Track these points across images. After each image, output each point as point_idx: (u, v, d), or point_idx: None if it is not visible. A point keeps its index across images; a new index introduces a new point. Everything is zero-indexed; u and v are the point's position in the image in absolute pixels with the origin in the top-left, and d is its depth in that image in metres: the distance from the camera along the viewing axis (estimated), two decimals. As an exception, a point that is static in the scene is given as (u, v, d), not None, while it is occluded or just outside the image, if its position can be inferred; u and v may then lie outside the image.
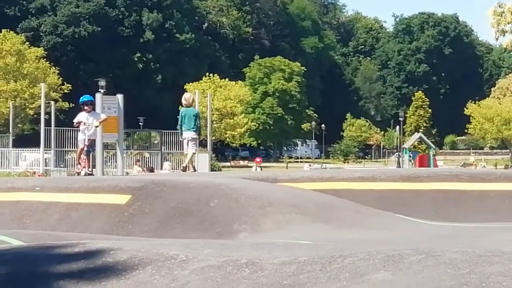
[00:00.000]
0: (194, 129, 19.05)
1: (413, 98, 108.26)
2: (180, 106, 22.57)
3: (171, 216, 10.82)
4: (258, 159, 49.79)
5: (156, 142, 46.00)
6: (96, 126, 19.28)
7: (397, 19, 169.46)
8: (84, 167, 18.64)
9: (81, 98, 19.51)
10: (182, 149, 42.75)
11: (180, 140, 45.25)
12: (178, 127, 19.81)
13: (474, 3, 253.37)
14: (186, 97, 19.74)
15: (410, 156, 64.99)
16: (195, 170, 19.33)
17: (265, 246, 5.87)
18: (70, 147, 40.55)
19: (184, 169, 18.84)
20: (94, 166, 20.63)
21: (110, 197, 11.81)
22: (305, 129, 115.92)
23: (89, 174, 18.60)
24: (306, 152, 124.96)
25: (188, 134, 19.00)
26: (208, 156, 41.56)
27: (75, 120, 19.12)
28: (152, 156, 43.54)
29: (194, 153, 19.53)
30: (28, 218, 11.83)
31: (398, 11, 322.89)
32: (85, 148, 18.91)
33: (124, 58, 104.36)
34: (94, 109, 20.18)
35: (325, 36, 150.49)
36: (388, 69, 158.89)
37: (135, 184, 12.18)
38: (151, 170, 33.76)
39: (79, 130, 19.18)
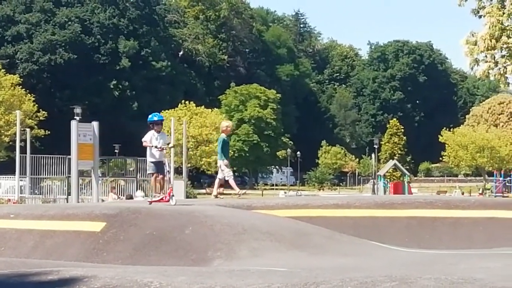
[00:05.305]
0: (219, 156, 19.99)
1: (388, 126, 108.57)
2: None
3: (146, 244, 10.80)
4: None
5: (131, 169, 45.77)
6: (172, 147, 19.23)
7: (372, 47, 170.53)
8: (169, 193, 16.27)
9: (151, 116, 17.32)
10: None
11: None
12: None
13: (448, 31, 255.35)
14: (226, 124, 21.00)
15: (385, 183, 65.23)
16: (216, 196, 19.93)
17: (239, 273, 5.88)
18: (45, 174, 40.31)
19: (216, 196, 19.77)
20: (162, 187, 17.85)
21: (85, 225, 11.77)
22: (280, 156, 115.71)
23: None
24: (281, 179, 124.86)
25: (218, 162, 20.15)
26: (183, 183, 41.45)
27: (149, 142, 16.94)
28: (127, 184, 43.33)
29: (220, 179, 19.95)
30: (3, 246, 11.77)
31: (373, 39, 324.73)
32: (160, 175, 16.89)
33: (100, 86, 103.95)
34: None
35: (301, 63, 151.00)
36: (363, 96, 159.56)
37: (110, 211, 12.15)
38: (130, 197, 33.53)
39: (151, 153, 17.06)
